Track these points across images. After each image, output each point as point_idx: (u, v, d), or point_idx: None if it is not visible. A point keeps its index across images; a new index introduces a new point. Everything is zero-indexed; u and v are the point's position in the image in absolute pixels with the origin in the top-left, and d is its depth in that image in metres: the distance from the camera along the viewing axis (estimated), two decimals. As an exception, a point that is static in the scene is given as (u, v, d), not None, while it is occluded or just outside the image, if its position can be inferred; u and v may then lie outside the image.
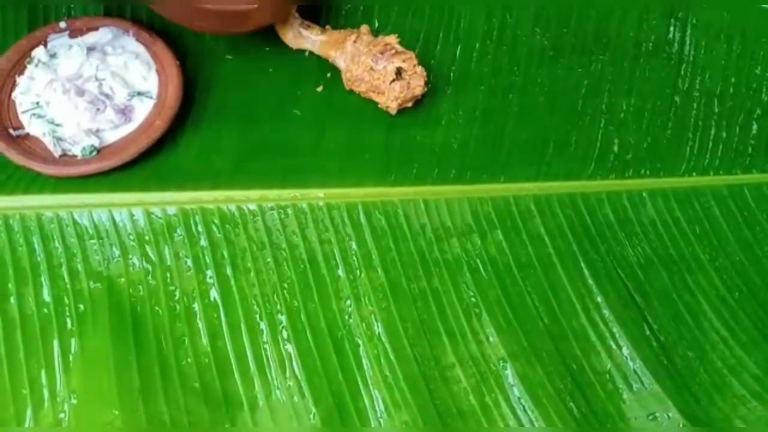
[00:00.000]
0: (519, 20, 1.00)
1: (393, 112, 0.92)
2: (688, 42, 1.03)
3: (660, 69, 1.02)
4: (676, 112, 1.01)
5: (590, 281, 0.88)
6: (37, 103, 0.87)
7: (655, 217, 0.95)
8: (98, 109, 0.86)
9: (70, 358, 0.77)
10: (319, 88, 0.95)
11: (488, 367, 0.81)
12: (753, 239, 0.96)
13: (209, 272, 0.83)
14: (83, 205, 0.84)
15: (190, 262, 0.83)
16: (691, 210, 0.97)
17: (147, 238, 0.84)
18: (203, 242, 0.84)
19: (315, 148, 0.92)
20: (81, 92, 0.86)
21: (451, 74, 0.98)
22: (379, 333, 0.82)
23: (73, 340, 0.78)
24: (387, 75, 0.89)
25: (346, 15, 0.98)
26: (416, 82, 0.90)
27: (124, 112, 0.88)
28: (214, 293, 0.82)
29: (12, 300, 0.79)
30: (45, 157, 0.85)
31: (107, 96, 0.87)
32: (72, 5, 0.94)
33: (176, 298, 0.81)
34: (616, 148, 0.98)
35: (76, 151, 0.86)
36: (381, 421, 0.78)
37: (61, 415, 0.75)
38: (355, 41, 0.91)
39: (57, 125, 0.86)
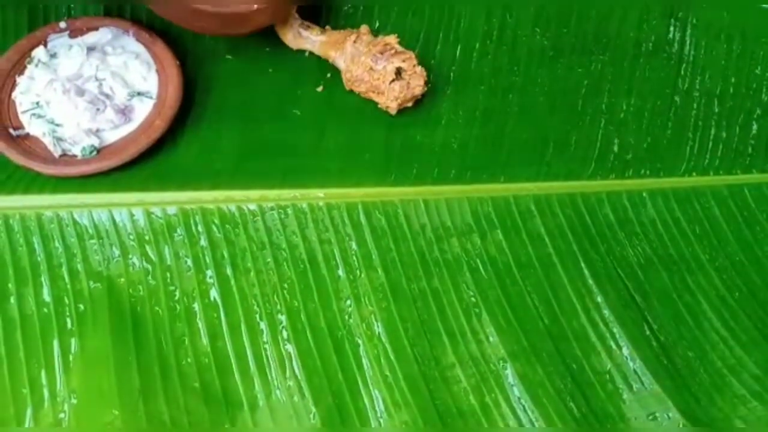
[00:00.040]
0: (519, 20, 1.00)
1: (393, 112, 0.92)
2: (688, 42, 1.03)
3: (660, 69, 1.02)
4: (676, 112, 1.01)
5: (590, 281, 0.88)
6: (37, 103, 0.87)
7: (655, 217, 0.95)
8: (98, 109, 0.86)
9: (70, 358, 0.77)
10: (319, 89, 0.95)
11: (488, 367, 0.81)
12: (753, 239, 0.96)
13: (209, 272, 0.83)
14: (83, 205, 0.84)
15: (190, 262, 0.83)
16: (691, 210, 0.96)
17: (147, 238, 0.84)
18: (203, 242, 0.84)
19: (315, 148, 0.92)
20: (81, 92, 0.86)
21: (451, 74, 0.98)
22: (379, 333, 0.82)
23: (73, 340, 0.78)
24: (387, 75, 0.89)
25: (346, 15, 0.98)
26: (416, 82, 0.90)
27: (124, 112, 0.88)
28: (214, 293, 0.82)
29: (12, 300, 0.79)
30: (45, 157, 0.85)
31: (107, 96, 0.87)
32: (72, 5, 0.94)
33: (176, 298, 0.81)
34: (616, 148, 0.98)
35: (76, 151, 0.86)
36: (381, 421, 0.78)
37: (61, 415, 0.75)
38: (354, 41, 0.91)
39: (57, 125, 0.86)
